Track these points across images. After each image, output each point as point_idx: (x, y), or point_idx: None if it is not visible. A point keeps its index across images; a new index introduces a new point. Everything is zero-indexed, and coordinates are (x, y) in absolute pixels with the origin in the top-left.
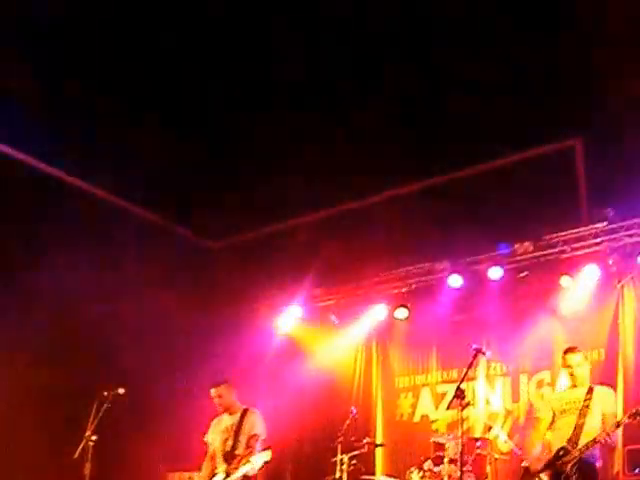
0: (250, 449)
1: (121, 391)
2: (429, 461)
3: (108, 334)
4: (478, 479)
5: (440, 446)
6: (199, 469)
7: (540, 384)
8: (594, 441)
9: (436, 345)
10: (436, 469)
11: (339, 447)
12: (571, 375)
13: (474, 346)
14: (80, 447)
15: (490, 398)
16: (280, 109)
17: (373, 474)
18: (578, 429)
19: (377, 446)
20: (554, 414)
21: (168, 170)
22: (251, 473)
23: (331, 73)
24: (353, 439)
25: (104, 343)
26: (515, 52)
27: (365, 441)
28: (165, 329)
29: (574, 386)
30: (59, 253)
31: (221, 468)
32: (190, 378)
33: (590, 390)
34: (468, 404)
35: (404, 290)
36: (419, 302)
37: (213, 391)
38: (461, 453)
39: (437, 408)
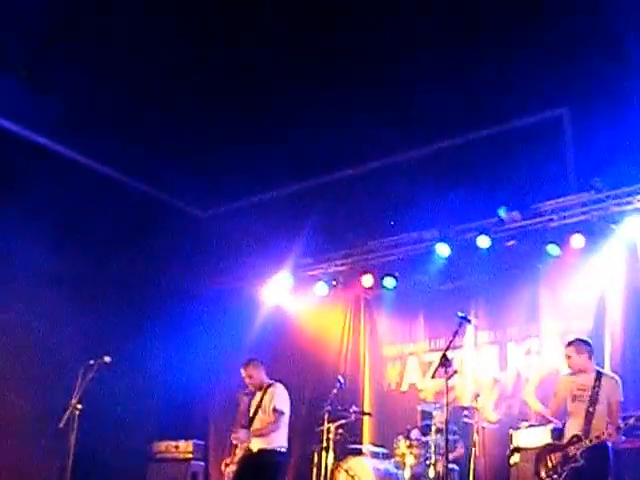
0: (269, 423)
1: (107, 359)
2: (416, 430)
3: (95, 303)
4: (466, 447)
5: (427, 415)
6: (186, 438)
7: (528, 352)
8: (599, 439)
9: (424, 314)
10: (423, 438)
11: (326, 416)
12: (569, 366)
13: (460, 314)
14: (66, 416)
15: (478, 366)
16: (269, 77)
17: (361, 443)
18: (589, 416)
19: (364, 415)
20: (567, 396)
21: (156, 140)
22: (267, 447)
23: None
24: (340, 408)
25: (91, 311)
26: (503, 22)
27: (352, 410)
28: (154, 297)
29: (581, 372)
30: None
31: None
32: (179, 347)
33: (598, 377)
34: (455, 372)
35: (392, 259)
36: (407, 271)
37: (242, 372)
38: (446, 422)
39: (424, 377)
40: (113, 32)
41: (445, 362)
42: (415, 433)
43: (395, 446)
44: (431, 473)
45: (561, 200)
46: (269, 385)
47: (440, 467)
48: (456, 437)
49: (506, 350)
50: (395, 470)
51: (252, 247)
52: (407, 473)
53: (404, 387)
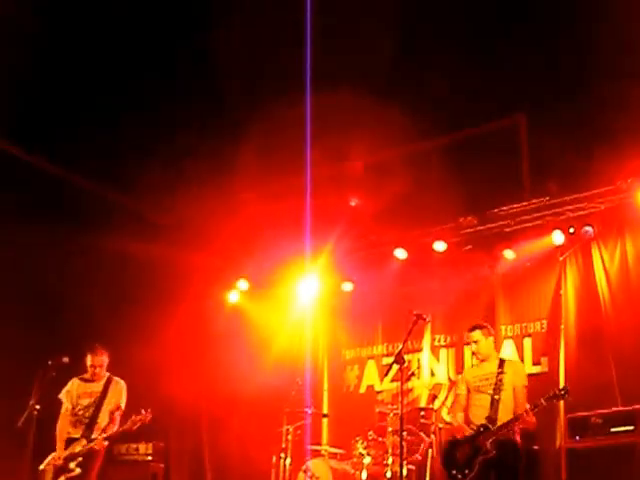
0: (112, 422)
1: (65, 360)
2: (373, 431)
3: (62, 305)
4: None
5: (385, 416)
6: (147, 440)
7: None
8: (514, 419)
9: (381, 318)
10: (381, 439)
11: (285, 417)
12: (474, 353)
13: (415, 312)
14: (24, 416)
15: (435, 369)
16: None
17: (319, 444)
18: (495, 405)
19: (322, 416)
20: (469, 390)
21: (119, 144)
22: (97, 447)
23: None
24: (299, 410)
25: (56, 313)
26: (459, 29)
27: (310, 411)
28: (117, 302)
29: (482, 361)
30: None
31: (78, 434)
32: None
33: (501, 363)
34: (412, 375)
35: (350, 263)
36: (365, 275)
37: (94, 359)
38: (401, 422)
39: (382, 380)
40: None
41: (400, 360)
42: (372, 434)
43: (353, 447)
44: (388, 473)
45: (517, 205)
46: (111, 379)
47: (397, 467)
48: (410, 438)
49: (462, 353)
50: (352, 470)
51: (211, 252)
52: (364, 473)
53: (362, 389)
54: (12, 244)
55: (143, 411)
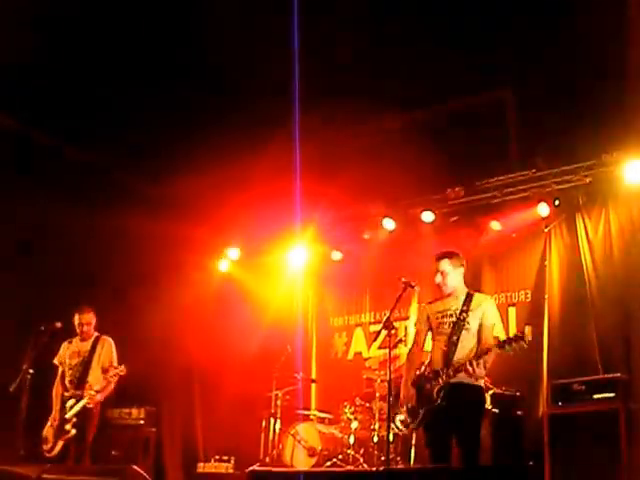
0: (108, 384)
1: (58, 325)
2: (360, 397)
3: (56, 275)
4: None
5: (372, 382)
6: (139, 405)
7: None
8: (457, 369)
9: (369, 287)
10: (368, 405)
11: (274, 382)
12: (439, 285)
13: (403, 279)
14: (17, 380)
15: None
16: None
17: (308, 409)
18: (452, 347)
19: (312, 382)
20: (431, 327)
21: (116, 119)
22: (91, 403)
23: None
24: (288, 375)
25: (49, 282)
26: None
27: (299, 376)
28: (108, 272)
29: (448, 295)
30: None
31: (71, 393)
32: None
33: (468, 298)
34: (400, 342)
35: (338, 232)
36: (353, 244)
37: (81, 318)
38: (389, 389)
39: (370, 347)
40: None
41: (389, 326)
42: (359, 400)
43: (340, 412)
44: (375, 438)
45: (503, 178)
46: (99, 337)
47: (383, 432)
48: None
49: None
50: (340, 435)
51: (202, 222)
52: (352, 438)
53: (350, 356)
54: (10, 214)
55: (120, 365)
